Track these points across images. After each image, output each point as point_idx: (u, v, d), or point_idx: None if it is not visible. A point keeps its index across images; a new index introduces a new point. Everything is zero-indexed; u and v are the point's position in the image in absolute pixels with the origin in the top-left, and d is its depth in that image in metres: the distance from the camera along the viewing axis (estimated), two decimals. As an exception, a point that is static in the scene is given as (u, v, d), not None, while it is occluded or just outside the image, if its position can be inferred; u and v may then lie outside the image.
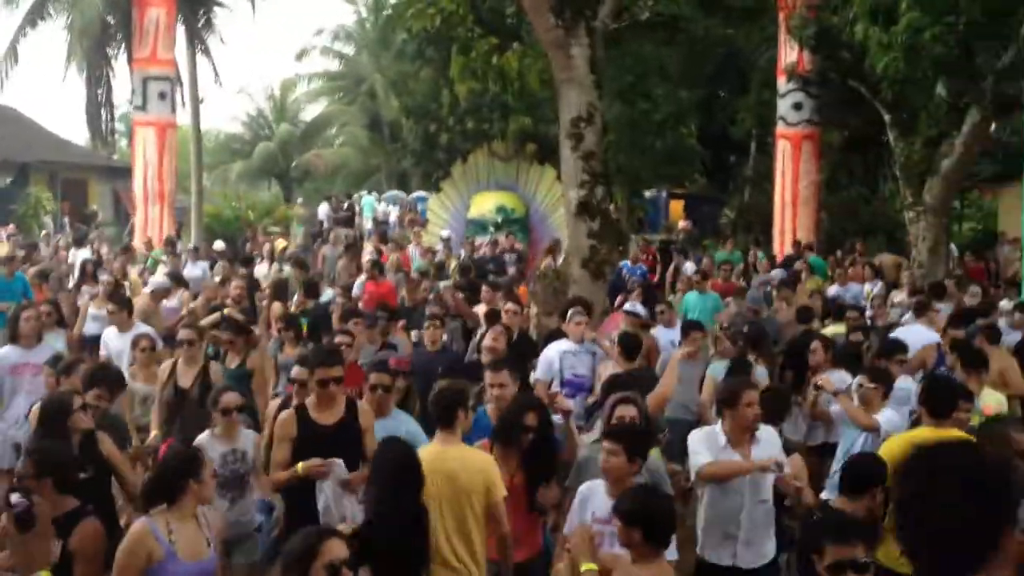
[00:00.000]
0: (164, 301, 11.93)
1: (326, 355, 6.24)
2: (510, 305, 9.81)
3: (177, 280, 12.96)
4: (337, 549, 3.61)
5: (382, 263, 15.16)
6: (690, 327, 9.12)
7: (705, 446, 5.67)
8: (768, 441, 5.76)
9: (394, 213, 28.38)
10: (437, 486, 5.23)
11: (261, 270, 15.95)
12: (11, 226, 23.94)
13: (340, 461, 5.65)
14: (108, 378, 6.84)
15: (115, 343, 9.47)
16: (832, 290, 13.68)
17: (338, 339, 8.36)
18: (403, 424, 6.41)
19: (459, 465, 5.30)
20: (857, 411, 7.13)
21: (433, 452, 5.43)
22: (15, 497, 4.55)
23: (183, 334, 8.31)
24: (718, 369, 8.51)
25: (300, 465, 5.69)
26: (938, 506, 1.95)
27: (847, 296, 13.09)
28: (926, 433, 5.75)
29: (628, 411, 5.78)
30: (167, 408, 7.85)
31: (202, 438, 6.20)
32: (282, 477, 5.88)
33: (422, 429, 6.37)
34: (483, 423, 6.22)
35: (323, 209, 29.32)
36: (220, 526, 4.98)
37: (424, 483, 4.96)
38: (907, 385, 7.73)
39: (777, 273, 14.91)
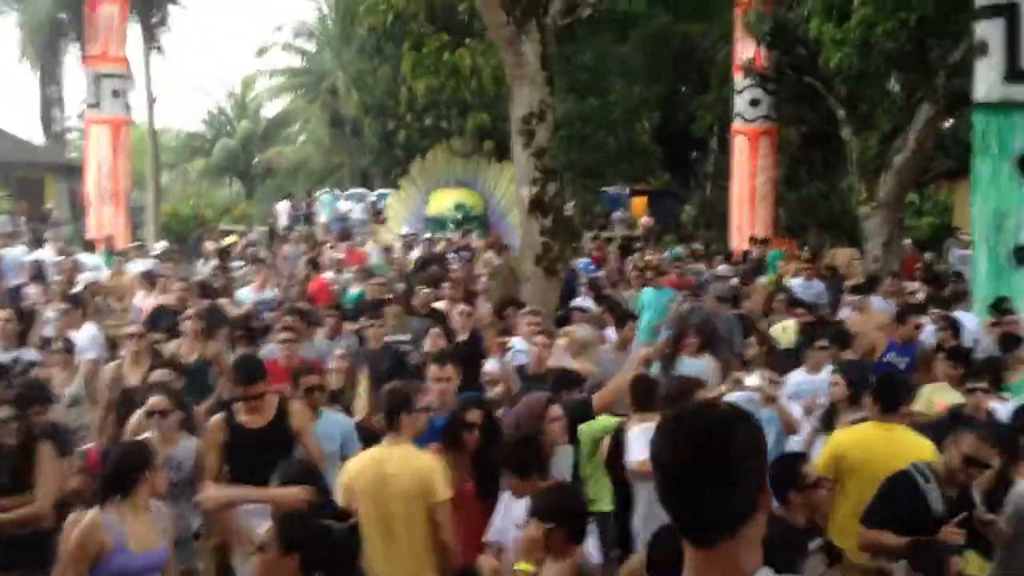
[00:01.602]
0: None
1: (252, 370, 6.09)
2: (463, 306, 9.77)
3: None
4: None
5: (317, 261, 15.12)
6: (625, 316, 9.19)
7: (644, 443, 5.61)
8: None
9: (357, 211, 28.17)
10: (372, 488, 5.18)
11: (204, 269, 15.80)
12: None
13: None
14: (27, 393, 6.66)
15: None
16: (796, 286, 13.56)
17: (282, 336, 8.26)
18: (336, 425, 6.37)
19: (398, 467, 5.20)
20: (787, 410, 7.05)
21: (376, 453, 5.39)
22: None
23: (129, 330, 8.22)
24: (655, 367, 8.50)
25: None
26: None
27: (810, 293, 12.94)
28: (872, 428, 5.71)
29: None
30: (116, 411, 7.70)
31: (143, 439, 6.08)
32: (216, 498, 5.74)
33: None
34: (437, 426, 6.14)
35: (282, 207, 29.08)
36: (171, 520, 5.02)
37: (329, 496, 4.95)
38: (802, 378, 7.74)
39: (723, 269, 14.90)
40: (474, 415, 5.76)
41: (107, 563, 4.56)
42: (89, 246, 17.91)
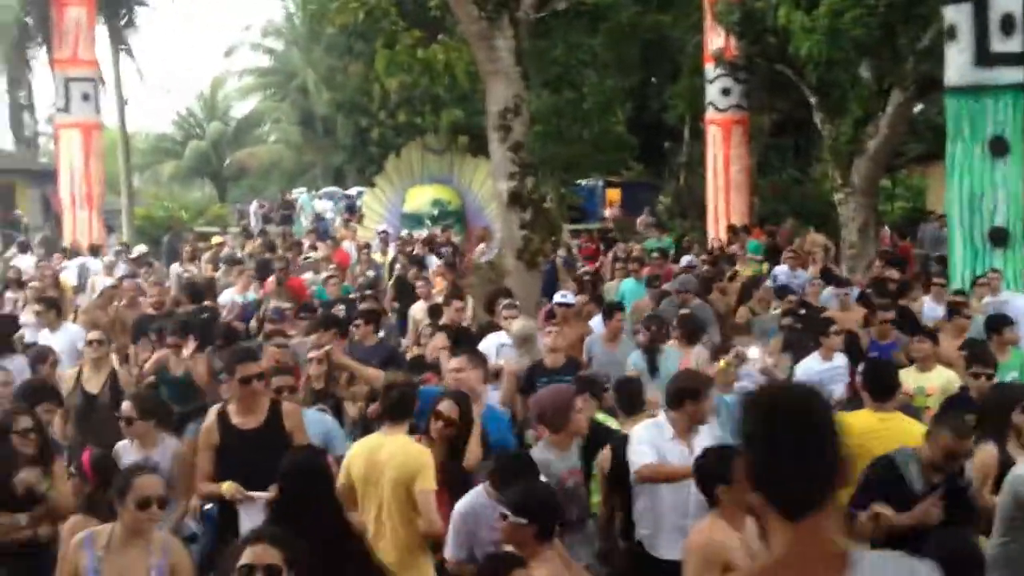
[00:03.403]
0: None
1: (245, 352, 6.16)
2: (456, 302, 9.84)
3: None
4: (261, 554, 3.52)
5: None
6: (613, 307, 9.21)
7: (648, 441, 5.62)
8: (707, 432, 5.75)
9: (330, 210, 28.09)
10: (366, 473, 5.34)
11: (178, 269, 15.76)
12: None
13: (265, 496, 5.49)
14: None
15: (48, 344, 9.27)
16: (781, 275, 13.61)
17: (276, 341, 8.26)
18: (318, 424, 6.41)
19: (390, 456, 5.31)
20: None
21: (372, 441, 5.54)
22: None
23: (91, 335, 8.20)
24: (635, 357, 8.54)
25: (225, 486, 5.56)
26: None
27: (796, 283, 12.78)
28: (867, 416, 5.64)
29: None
30: (77, 416, 7.68)
31: (119, 446, 6.07)
32: (207, 491, 5.80)
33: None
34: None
35: (253, 207, 28.95)
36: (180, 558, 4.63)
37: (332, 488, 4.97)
38: (817, 366, 7.80)
39: (688, 260, 14.99)
40: (447, 407, 5.81)
41: None
42: (95, 250, 17.89)
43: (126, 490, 4.42)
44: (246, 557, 3.47)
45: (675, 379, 5.94)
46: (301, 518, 4.44)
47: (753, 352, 7.44)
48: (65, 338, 9.43)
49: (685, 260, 15.34)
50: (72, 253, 18.15)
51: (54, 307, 10.01)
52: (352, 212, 26.03)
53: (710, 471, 4.61)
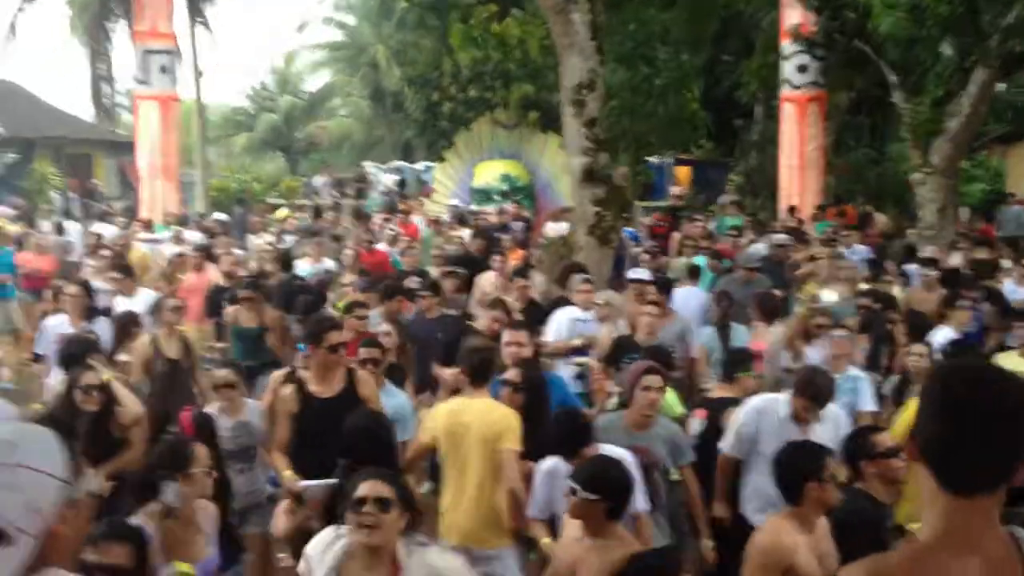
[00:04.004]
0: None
1: (331, 321, 6.29)
2: (521, 281, 9.91)
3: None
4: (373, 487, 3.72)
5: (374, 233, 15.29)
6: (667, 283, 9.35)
7: (756, 418, 5.65)
8: (833, 422, 5.69)
9: (398, 184, 28.28)
10: (450, 434, 5.48)
11: (258, 241, 15.98)
12: (19, 201, 23.97)
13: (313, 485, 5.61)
14: None
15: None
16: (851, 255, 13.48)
17: (357, 312, 8.37)
18: (393, 397, 6.51)
19: (475, 417, 5.42)
20: None
21: (457, 404, 5.67)
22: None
23: (171, 301, 8.41)
24: (708, 334, 8.52)
25: (287, 474, 5.67)
26: None
27: (854, 260, 12.89)
28: None
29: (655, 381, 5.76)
30: (159, 380, 7.88)
31: (211, 409, 6.24)
32: (276, 465, 5.92)
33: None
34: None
35: (321, 181, 29.16)
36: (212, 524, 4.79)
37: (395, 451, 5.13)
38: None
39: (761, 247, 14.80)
40: (513, 374, 5.91)
41: None
42: (181, 221, 18.21)
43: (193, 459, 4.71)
44: (360, 491, 3.70)
45: (809, 373, 5.88)
46: None
47: (827, 294, 7.36)
48: (141, 305, 9.66)
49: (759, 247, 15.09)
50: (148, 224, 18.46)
51: (130, 274, 10.27)
52: (421, 186, 26.22)
53: (798, 466, 4.38)
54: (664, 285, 9.41)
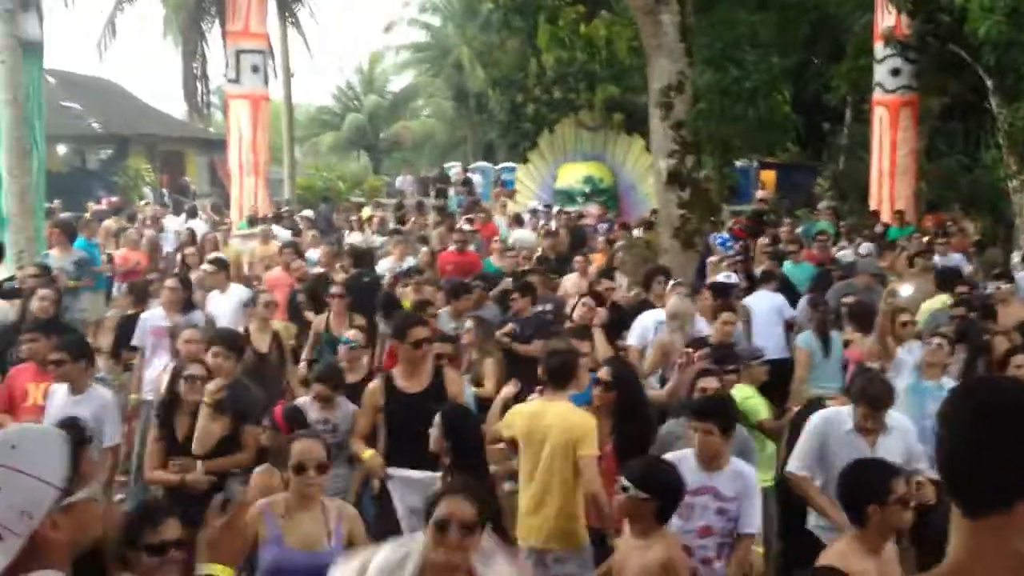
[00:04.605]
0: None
1: (416, 318, 6.36)
2: (606, 282, 9.97)
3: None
4: (457, 508, 3.51)
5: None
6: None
7: (823, 431, 5.52)
8: (901, 431, 5.52)
9: (479, 184, 28.44)
10: (529, 437, 5.49)
11: (353, 239, 16.18)
12: (116, 198, 24.77)
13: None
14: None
15: (217, 304, 9.76)
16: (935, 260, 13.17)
17: (429, 310, 8.47)
18: (470, 395, 6.60)
19: (556, 421, 5.43)
20: None
21: (537, 407, 5.67)
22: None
23: (264, 296, 8.54)
24: (807, 338, 8.40)
25: (368, 454, 5.73)
26: None
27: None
28: None
29: (710, 383, 5.72)
30: (249, 373, 8.03)
31: (301, 403, 6.34)
32: (355, 450, 6.06)
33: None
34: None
35: (405, 181, 29.43)
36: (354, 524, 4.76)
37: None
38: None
39: (867, 247, 14.51)
40: (604, 372, 5.97)
41: (263, 553, 4.47)
42: (277, 218, 18.52)
43: (287, 454, 4.65)
44: (442, 510, 3.47)
45: (865, 378, 5.76)
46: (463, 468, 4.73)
47: (906, 289, 7.20)
48: (233, 299, 9.86)
49: (865, 248, 14.79)
50: (253, 220, 18.79)
51: (224, 268, 10.46)
52: (501, 187, 26.32)
53: (861, 488, 4.17)
54: (740, 290, 9.31)
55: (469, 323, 8.40)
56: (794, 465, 5.57)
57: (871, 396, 5.41)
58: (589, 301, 8.22)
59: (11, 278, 10.67)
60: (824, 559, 4.15)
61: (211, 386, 5.89)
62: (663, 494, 4.22)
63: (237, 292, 10.06)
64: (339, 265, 11.94)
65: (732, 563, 4.90)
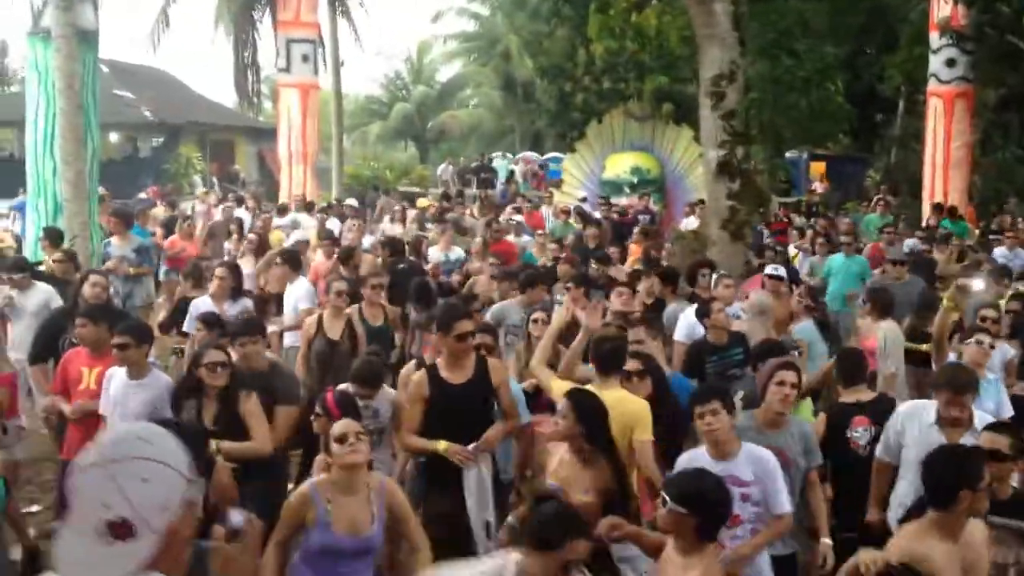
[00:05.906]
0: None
1: (460, 309, 6.31)
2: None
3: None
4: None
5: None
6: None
7: (904, 423, 5.52)
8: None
9: (518, 172, 28.38)
10: None
11: (394, 229, 16.19)
12: (169, 186, 25.09)
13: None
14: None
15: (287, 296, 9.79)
16: (999, 256, 12.94)
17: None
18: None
19: (613, 405, 5.35)
20: None
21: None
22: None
23: (337, 286, 8.52)
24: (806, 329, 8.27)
25: (443, 445, 5.75)
26: None
27: (1016, 263, 12.23)
28: None
29: (789, 376, 5.62)
30: (319, 360, 8.06)
31: (344, 386, 6.32)
32: (418, 445, 5.97)
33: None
34: None
35: (446, 171, 29.42)
36: (393, 497, 4.85)
37: None
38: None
39: (911, 243, 14.28)
40: (633, 365, 5.92)
41: (310, 537, 4.61)
42: (309, 207, 18.62)
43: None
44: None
45: (950, 366, 5.70)
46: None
47: (978, 283, 7.03)
48: (299, 289, 9.86)
49: (908, 244, 14.55)
50: (284, 209, 18.94)
51: (293, 261, 10.38)
52: (545, 176, 26.29)
53: (956, 472, 4.06)
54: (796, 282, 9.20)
55: (539, 314, 8.32)
56: (879, 450, 5.68)
57: (958, 382, 5.38)
58: (625, 291, 8.12)
59: (39, 262, 10.78)
60: (895, 538, 4.15)
61: None
62: (702, 509, 3.98)
63: (300, 282, 10.06)
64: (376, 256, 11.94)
65: (761, 536, 4.90)
